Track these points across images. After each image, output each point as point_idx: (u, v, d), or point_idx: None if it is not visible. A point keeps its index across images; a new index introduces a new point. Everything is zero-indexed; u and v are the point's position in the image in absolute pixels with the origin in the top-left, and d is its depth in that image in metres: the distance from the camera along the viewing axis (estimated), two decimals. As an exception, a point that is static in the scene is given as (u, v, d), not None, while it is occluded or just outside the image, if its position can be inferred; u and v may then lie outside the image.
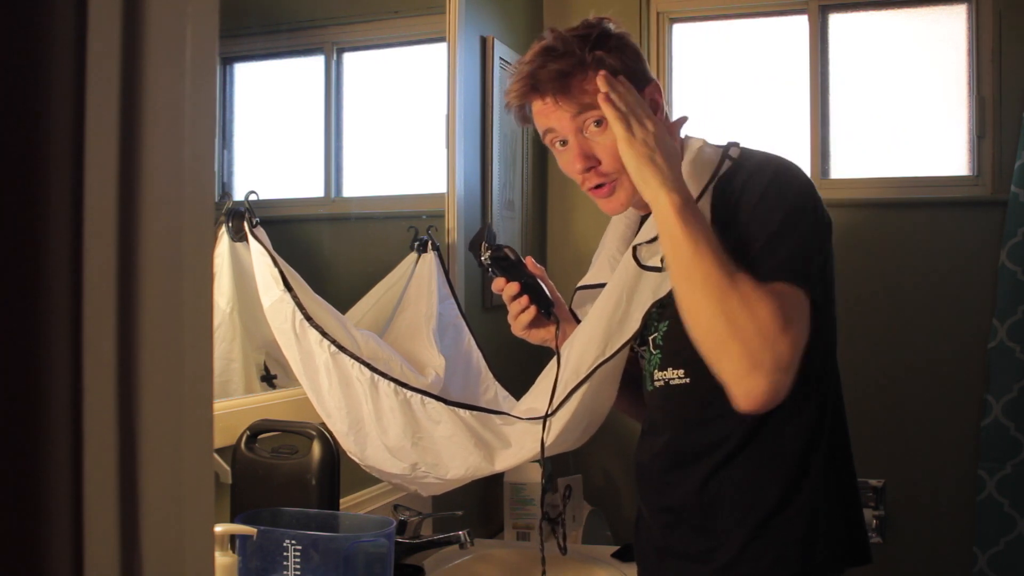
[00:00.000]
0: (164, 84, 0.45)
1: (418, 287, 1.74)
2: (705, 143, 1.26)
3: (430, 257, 1.78)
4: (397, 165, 2.06)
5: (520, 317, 1.34)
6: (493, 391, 1.68)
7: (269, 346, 1.48)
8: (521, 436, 1.36)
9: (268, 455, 1.31)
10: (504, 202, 2.42)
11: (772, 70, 2.70)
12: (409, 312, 1.71)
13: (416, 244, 1.80)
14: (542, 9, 2.78)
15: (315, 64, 1.81)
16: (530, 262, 1.37)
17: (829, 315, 1.26)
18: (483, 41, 2.31)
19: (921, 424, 2.49)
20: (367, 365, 1.41)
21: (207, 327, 0.49)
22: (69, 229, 0.42)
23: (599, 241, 1.44)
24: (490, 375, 1.70)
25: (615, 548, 1.79)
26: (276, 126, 1.68)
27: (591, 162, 1.23)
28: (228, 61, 1.56)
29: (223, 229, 1.44)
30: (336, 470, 1.31)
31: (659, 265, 1.20)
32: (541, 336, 1.37)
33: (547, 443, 1.31)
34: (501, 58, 2.35)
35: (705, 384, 1.13)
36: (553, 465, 2.27)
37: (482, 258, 1.34)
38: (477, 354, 1.73)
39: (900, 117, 2.59)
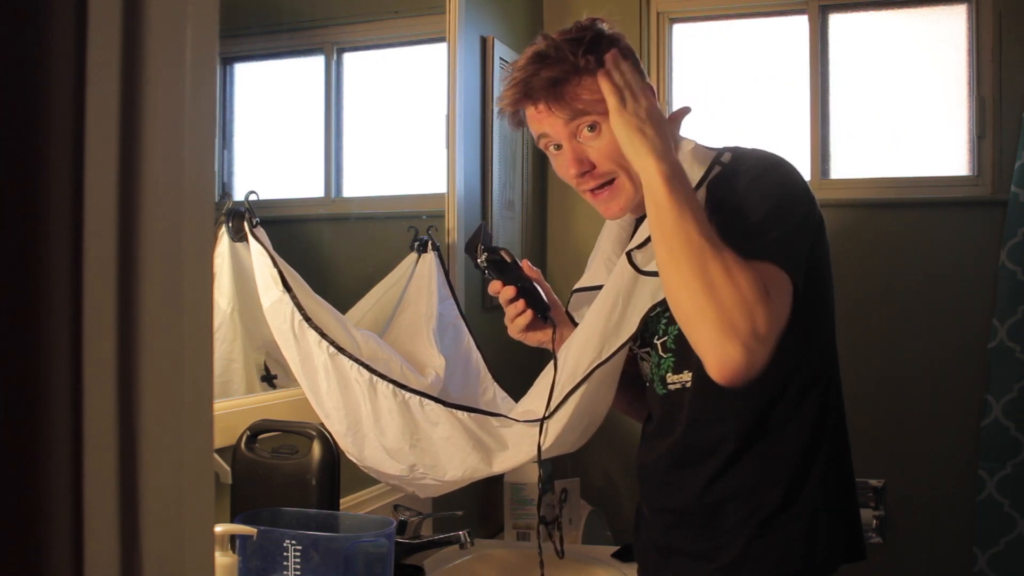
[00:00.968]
0: (164, 84, 0.45)
1: (418, 287, 1.74)
2: (697, 145, 1.26)
3: (430, 257, 1.78)
4: (397, 165, 2.06)
5: (517, 320, 1.34)
6: (492, 392, 1.68)
7: (269, 346, 1.48)
8: (518, 439, 1.36)
9: (268, 455, 1.31)
10: (504, 202, 2.42)
11: (772, 70, 2.70)
12: (409, 312, 1.71)
13: (416, 244, 1.80)
14: (542, 9, 2.78)
15: (315, 64, 1.81)
16: (526, 265, 1.37)
17: (828, 315, 1.26)
18: (483, 41, 2.31)
19: (921, 424, 2.49)
20: (365, 366, 1.41)
21: (207, 327, 0.49)
22: (69, 229, 0.42)
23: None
24: (489, 376, 1.70)
25: (615, 548, 1.79)
26: (276, 126, 1.68)
27: (585, 166, 1.23)
28: (228, 61, 1.56)
29: (223, 229, 1.44)
30: (336, 470, 1.31)
31: (656, 269, 1.21)
32: (538, 338, 1.37)
33: (544, 446, 1.31)
34: (501, 58, 2.35)
35: (710, 385, 1.13)
36: (552, 467, 2.27)
37: (478, 260, 1.34)
38: (476, 355, 1.73)
39: (900, 117, 2.59)
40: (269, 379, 1.54)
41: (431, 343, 1.62)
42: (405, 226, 1.87)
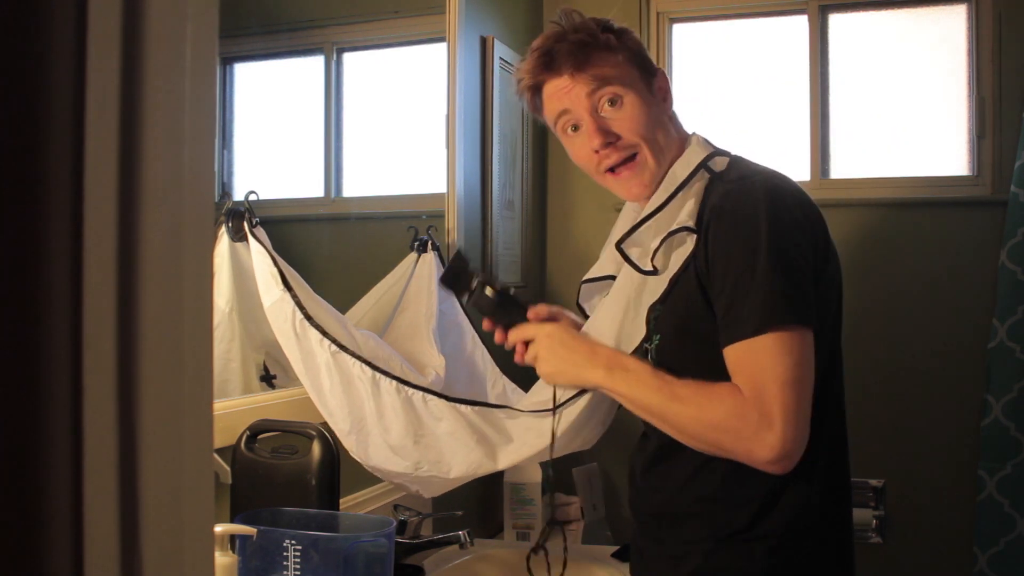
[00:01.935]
0: (164, 84, 0.45)
1: (418, 287, 1.74)
2: (702, 147, 1.26)
3: (430, 257, 1.78)
4: (397, 165, 2.06)
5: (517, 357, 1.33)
6: (502, 385, 1.69)
7: (269, 346, 1.48)
8: (524, 431, 1.36)
9: (268, 455, 1.31)
10: (504, 202, 2.42)
11: (772, 70, 2.70)
12: (409, 312, 1.71)
13: (416, 244, 1.80)
14: (542, 9, 2.78)
15: (315, 64, 1.81)
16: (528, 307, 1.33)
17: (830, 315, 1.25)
18: (483, 41, 2.31)
19: (921, 424, 2.49)
20: (368, 364, 1.41)
21: (207, 327, 0.49)
22: (69, 229, 0.42)
23: (599, 241, 1.44)
24: (497, 370, 1.71)
25: (615, 548, 1.79)
26: (276, 126, 1.68)
27: (610, 137, 1.22)
28: (228, 61, 1.56)
29: (223, 229, 1.44)
30: (336, 470, 1.31)
31: (651, 269, 1.21)
32: None
33: (557, 434, 1.31)
34: (501, 58, 2.35)
35: None
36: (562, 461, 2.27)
37: (461, 300, 1.33)
38: (482, 350, 1.73)
39: (900, 117, 2.59)
40: (268, 379, 1.54)
41: (431, 343, 1.62)
42: (405, 226, 1.87)
